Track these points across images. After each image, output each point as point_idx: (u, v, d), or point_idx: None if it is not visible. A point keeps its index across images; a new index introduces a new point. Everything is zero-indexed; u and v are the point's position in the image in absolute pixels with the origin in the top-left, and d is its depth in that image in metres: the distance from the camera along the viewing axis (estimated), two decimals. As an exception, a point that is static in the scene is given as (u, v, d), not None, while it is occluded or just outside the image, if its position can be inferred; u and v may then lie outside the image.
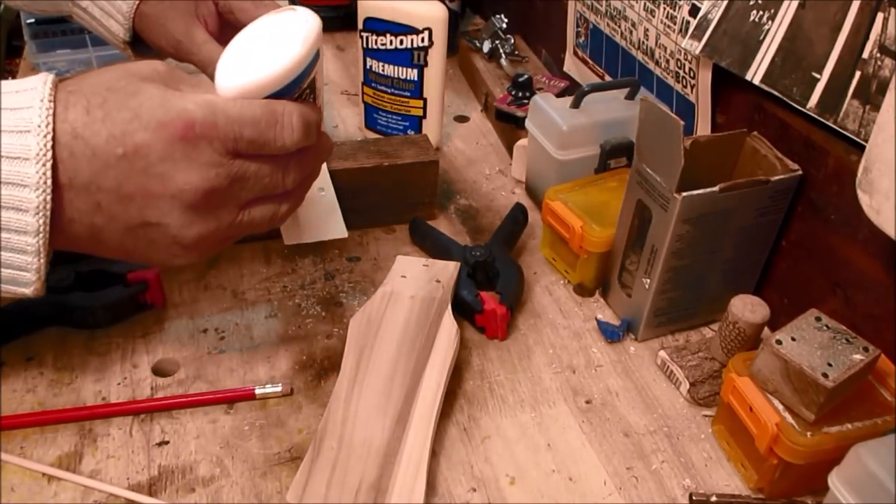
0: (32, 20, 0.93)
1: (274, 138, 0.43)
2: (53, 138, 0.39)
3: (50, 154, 0.39)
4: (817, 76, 0.56)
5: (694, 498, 0.51)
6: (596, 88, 0.71)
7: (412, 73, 0.81)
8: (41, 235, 0.40)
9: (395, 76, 0.82)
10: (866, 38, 0.52)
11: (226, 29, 0.72)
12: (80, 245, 0.44)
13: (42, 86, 0.40)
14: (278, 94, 0.45)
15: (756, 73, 0.60)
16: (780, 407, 0.49)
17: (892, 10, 0.50)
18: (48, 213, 0.40)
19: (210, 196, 0.43)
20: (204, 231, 0.44)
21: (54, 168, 0.40)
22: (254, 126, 0.42)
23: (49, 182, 0.39)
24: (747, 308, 0.56)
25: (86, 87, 0.41)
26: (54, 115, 0.40)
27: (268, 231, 0.49)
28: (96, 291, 0.60)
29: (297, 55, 0.45)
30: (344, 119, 0.93)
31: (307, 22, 0.46)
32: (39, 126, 0.39)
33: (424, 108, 0.83)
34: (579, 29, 0.88)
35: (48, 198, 0.40)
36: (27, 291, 0.42)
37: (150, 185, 0.41)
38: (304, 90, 0.47)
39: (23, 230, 0.40)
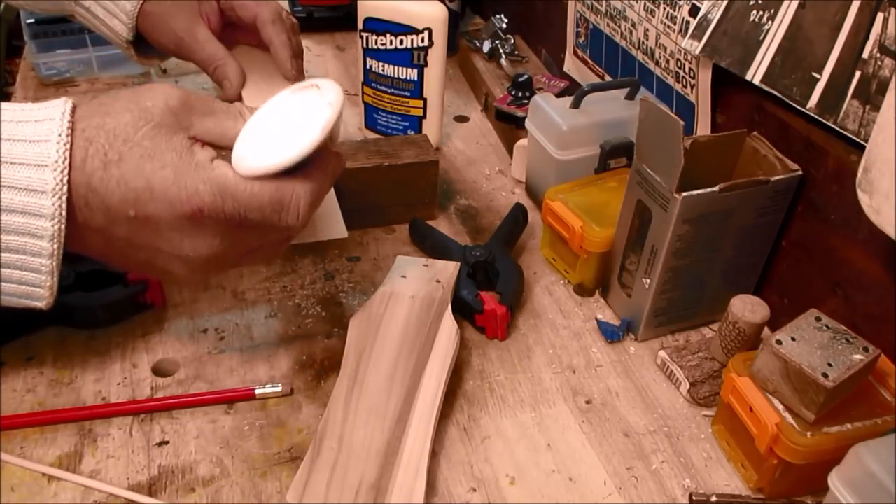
0: (32, 20, 0.93)
1: (278, 220, 0.46)
2: (69, 189, 0.41)
3: (66, 188, 0.41)
4: (817, 76, 0.56)
5: (694, 498, 0.51)
6: (596, 88, 0.71)
7: (412, 73, 0.81)
8: (54, 258, 0.43)
9: (395, 76, 0.82)
10: (866, 38, 0.52)
11: (228, 26, 0.72)
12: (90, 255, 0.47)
13: (60, 117, 0.41)
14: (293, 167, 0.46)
15: (756, 73, 0.60)
16: (780, 407, 0.49)
17: (892, 10, 0.50)
18: (62, 241, 0.42)
19: (214, 258, 0.46)
20: (207, 272, 0.48)
21: (71, 210, 0.42)
22: (259, 211, 0.45)
23: (64, 214, 0.41)
24: (747, 308, 0.56)
25: (102, 136, 0.42)
26: (71, 164, 0.41)
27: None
28: (96, 291, 0.60)
29: (315, 141, 0.45)
30: (344, 119, 0.92)
31: (329, 106, 0.45)
32: (57, 161, 0.41)
33: (424, 108, 0.83)
34: (579, 29, 0.88)
35: (62, 227, 0.42)
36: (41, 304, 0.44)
37: (160, 244, 0.45)
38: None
39: (38, 254, 0.42)
